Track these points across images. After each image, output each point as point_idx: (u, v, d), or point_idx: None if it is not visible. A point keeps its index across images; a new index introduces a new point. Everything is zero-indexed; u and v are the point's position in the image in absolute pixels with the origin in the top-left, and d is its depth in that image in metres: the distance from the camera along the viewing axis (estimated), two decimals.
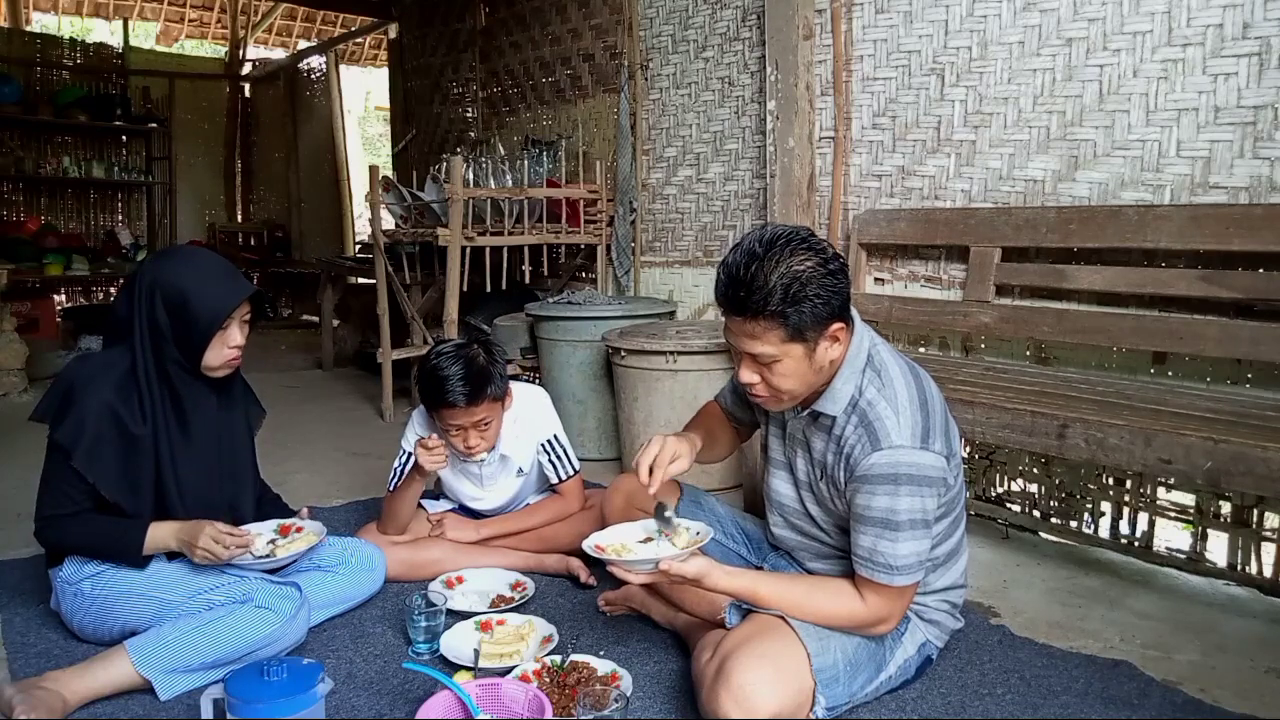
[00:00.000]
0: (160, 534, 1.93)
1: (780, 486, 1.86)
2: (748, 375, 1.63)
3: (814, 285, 1.53)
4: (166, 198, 8.28)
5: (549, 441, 2.46)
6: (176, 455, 1.99)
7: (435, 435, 2.32)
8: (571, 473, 2.49)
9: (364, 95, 12.70)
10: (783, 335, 1.55)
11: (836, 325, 1.59)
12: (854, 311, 1.68)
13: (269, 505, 2.29)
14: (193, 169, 8.67)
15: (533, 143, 4.93)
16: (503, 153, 4.58)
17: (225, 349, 2.00)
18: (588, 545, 1.74)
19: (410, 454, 2.41)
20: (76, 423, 1.88)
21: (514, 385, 2.48)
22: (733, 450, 2.12)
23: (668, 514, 1.73)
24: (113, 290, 7.88)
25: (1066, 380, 2.56)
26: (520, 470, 2.48)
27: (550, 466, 2.47)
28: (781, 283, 1.51)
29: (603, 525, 2.18)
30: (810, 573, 1.86)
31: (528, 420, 2.45)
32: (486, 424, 2.30)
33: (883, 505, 1.58)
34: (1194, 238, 2.40)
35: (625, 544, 1.77)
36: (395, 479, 2.43)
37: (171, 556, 2.01)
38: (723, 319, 1.64)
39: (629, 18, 4.28)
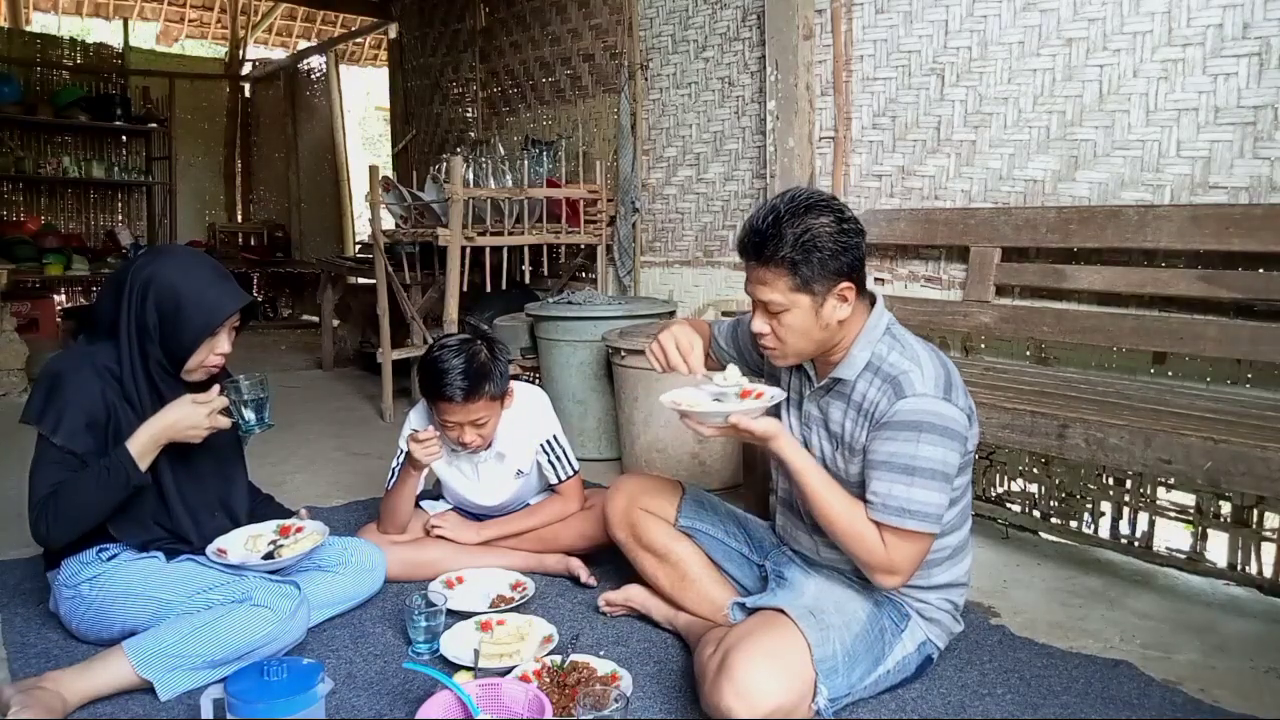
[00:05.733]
0: (142, 442, 1.86)
1: None
2: (759, 324, 1.72)
3: (824, 239, 1.62)
4: (166, 198, 8.28)
5: (548, 442, 2.46)
6: (163, 454, 1.95)
7: (430, 428, 2.31)
8: (571, 473, 2.49)
9: (364, 95, 12.69)
10: (790, 283, 1.64)
11: (844, 284, 1.66)
12: (879, 294, 1.76)
13: (263, 505, 2.29)
14: (193, 169, 8.67)
15: (533, 143, 4.92)
16: (503, 153, 4.58)
17: (211, 355, 1.98)
18: (665, 399, 1.76)
19: (407, 453, 2.41)
20: (60, 408, 1.87)
21: (514, 385, 2.49)
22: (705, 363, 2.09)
23: (717, 382, 1.74)
24: None
25: (1066, 380, 2.56)
26: (520, 471, 2.47)
27: (549, 467, 2.47)
28: (793, 232, 1.62)
29: (604, 526, 2.19)
30: (821, 560, 1.87)
31: (526, 421, 2.45)
32: (482, 422, 2.30)
33: (904, 450, 1.61)
34: (1194, 238, 2.40)
35: (699, 403, 1.76)
36: (393, 478, 2.43)
37: (170, 557, 2.01)
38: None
39: (629, 18, 4.28)
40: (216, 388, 1.95)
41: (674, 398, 1.77)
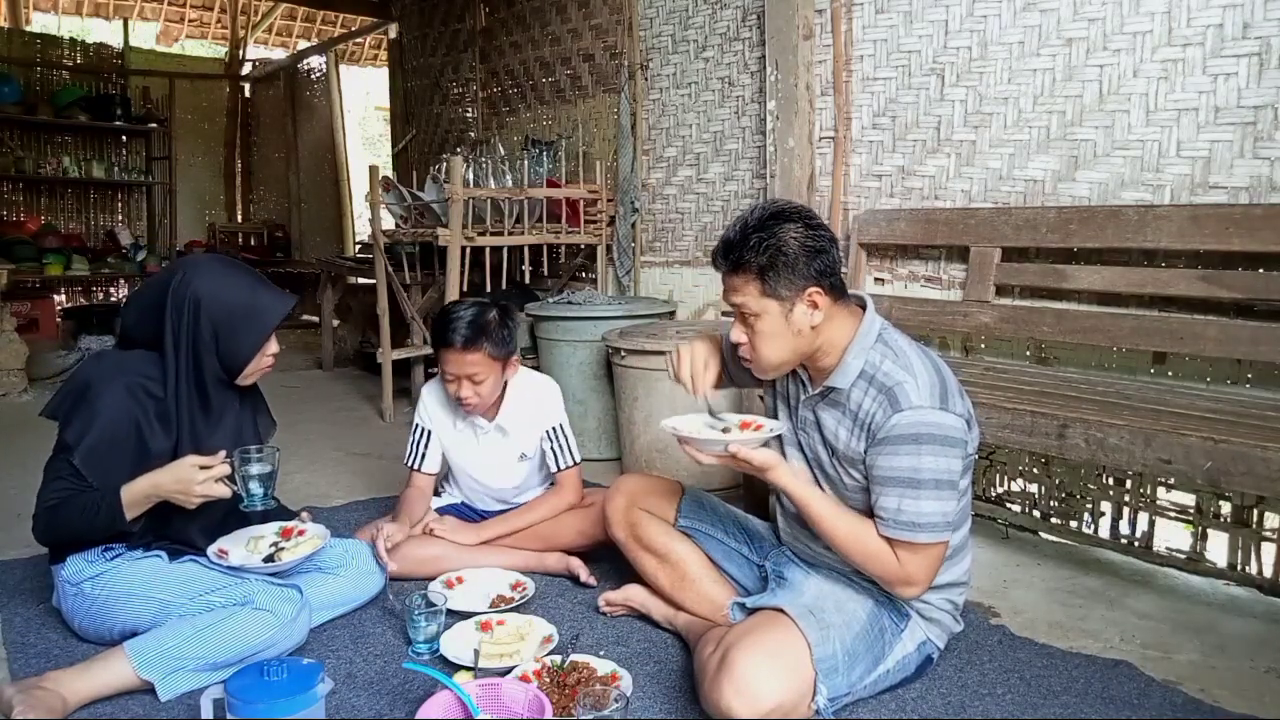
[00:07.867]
0: (136, 492, 1.84)
1: None
2: (737, 335, 1.75)
3: (790, 244, 1.65)
4: (166, 198, 8.27)
5: (553, 430, 2.52)
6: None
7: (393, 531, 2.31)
8: (571, 463, 2.53)
9: (364, 95, 12.68)
10: (759, 289, 1.67)
11: (813, 289, 1.67)
12: (869, 300, 1.77)
13: None
14: (193, 169, 8.66)
15: (533, 143, 4.92)
16: (503, 153, 4.58)
17: (264, 358, 2.05)
18: (665, 425, 1.79)
19: (425, 429, 2.53)
20: (86, 421, 1.88)
21: (530, 374, 2.57)
22: (716, 383, 2.09)
23: (720, 415, 1.81)
24: (113, 290, 7.87)
25: (1066, 380, 2.56)
26: (523, 455, 2.53)
27: (551, 454, 2.52)
28: (759, 238, 1.66)
29: (604, 526, 2.20)
30: (823, 564, 1.87)
31: (535, 404, 2.51)
32: (479, 379, 2.34)
33: (906, 465, 1.61)
34: (1194, 238, 2.40)
35: (699, 431, 1.79)
36: (412, 455, 2.53)
37: (173, 557, 2.01)
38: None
39: (629, 18, 4.28)
40: (222, 453, 1.89)
41: (674, 424, 1.79)
